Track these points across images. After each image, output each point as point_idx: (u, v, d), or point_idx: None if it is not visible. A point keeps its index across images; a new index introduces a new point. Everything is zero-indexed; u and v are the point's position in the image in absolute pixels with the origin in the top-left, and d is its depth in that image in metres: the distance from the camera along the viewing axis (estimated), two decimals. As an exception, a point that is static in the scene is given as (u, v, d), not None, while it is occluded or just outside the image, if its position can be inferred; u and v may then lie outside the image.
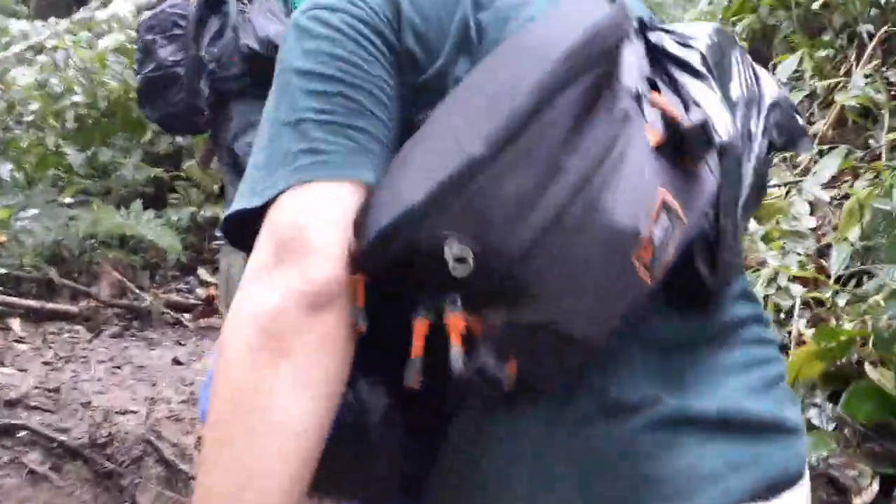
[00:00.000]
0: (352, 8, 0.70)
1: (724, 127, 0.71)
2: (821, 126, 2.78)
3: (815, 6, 3.18)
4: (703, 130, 0.64)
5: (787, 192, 2.62)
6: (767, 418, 0.71)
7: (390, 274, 0.60)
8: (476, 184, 0.56)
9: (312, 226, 0.62)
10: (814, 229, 2.43)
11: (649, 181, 0.61)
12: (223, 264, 3.41)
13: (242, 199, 0.66)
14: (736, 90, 0.78)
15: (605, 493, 0.64)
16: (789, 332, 1.85)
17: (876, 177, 2.09)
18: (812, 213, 2.48)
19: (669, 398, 0.67)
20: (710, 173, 0.67)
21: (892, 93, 2.69)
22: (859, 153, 2.38)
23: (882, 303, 1.47)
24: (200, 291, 4.39)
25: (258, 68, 2.82)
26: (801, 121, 0.85)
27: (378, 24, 0.70)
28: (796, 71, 2.91)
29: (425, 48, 0.71)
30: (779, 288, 1.93)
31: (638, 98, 0.64)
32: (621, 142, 0.61)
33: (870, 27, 3.03)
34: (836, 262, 1.88)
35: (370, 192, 0.64)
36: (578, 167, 0.58)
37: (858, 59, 2.99)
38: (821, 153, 2.36)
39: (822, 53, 3.03)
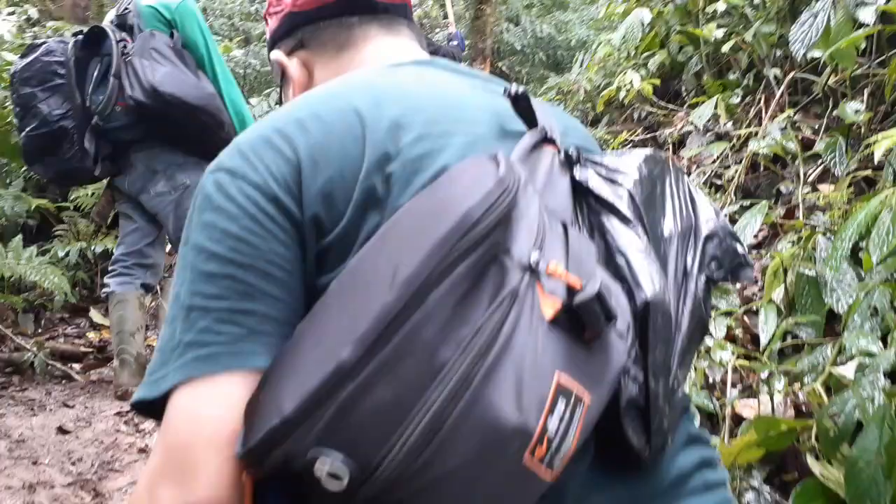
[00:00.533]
0: (250, 173, 0.69)
1: (648, 281, 0.65)
2: (734, 172, 2.81)
3: (725, 48, 3.22)
4: (599, 302, 0.57)
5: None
6: None
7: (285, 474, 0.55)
8: (345, 393, 0.52)
9: (196, 447, 0.62)
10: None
11: (541, 365, 0.55)
12: (114, 317, 3.13)
13: (143, 387, 0.67)
14: (669, 225, 0.74)
15: None
16: (720, 401, 1.81)
17: (798, 238, 2.09)
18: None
19: None
20: (619, 339, 0.61)
21: (801, 138, 2.75)
22: (780, 210, 2.39)
23: (818, 388, 1.43)
24: (92, 336, 4.03)
25: (150, 117, 2.75)
26: (741, 249, 0.80)
27: (276, 192, 0.68)
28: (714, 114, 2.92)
29: (329, 208, 0.69)
30: (707, 350, 1.89)
31: (532, 269, 0.59)
32: (507, 326, 0.55)
33: (776, 71, 3.11)
34: (765, 330, 1.86)
35: (263, 375, 0.62)
36: (457, 364, 0.53)
37: (767, 102, 3.06)
38: (742, 208, 2.36)
39: (735, 100, 3.07)
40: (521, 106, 0.74)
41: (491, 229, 0.57)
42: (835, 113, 2.74)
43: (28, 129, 2.83)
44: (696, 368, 1.83)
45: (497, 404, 0.53)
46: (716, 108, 2.92)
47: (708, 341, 1.82)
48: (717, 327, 1.98)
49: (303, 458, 0.52)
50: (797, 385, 1.57)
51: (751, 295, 2.34)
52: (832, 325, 1.94)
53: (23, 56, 2.92)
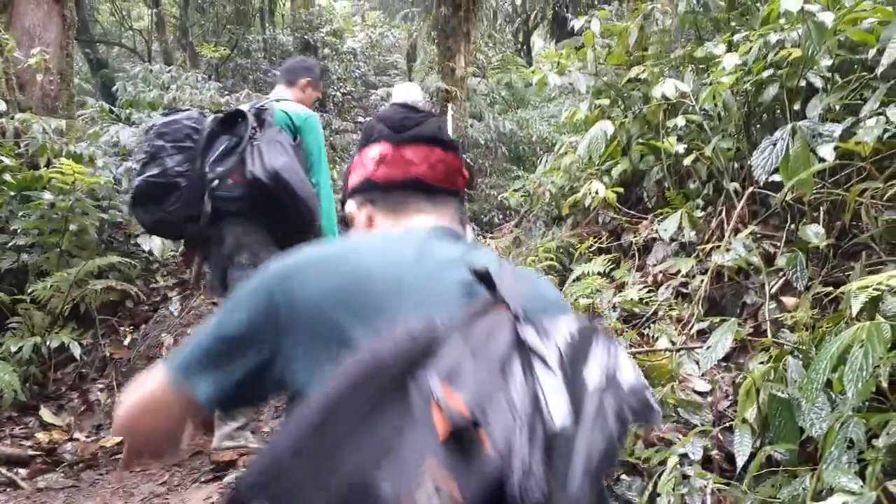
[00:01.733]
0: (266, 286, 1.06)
1: (559, 415, 0.82)
2: (700, 282, 2.88)
3: (687, 161, 3.37)
4: (472, 427, 0.77)
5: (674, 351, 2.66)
6: None
7: None
8: (282, 476, 0.78)
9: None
10: (706, 393, 2.46)
11: (418, 459, 0.74)
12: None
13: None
14: (594, 378, 0.89)
15: None
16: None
17: (767, 356, 2.13)
18: (702, 375, 2.52)
19: None
20: (494, 456, 0.77)
21: (763, 250, 2.86)
22: (749, 328, 2.44)
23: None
24: (41, 436, 3.83)
25: (259, 195, 3.07)
26: (652, 401, 0.94)
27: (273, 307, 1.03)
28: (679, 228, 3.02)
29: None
30: (685, 476, 1.89)
31: (437, 401, 0.78)
32: (398, 429, 0.77)
33: (736, 185, 3.25)
34: (741, 451, 1.86)
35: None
36: (355, 454, 0.77)
37: (728, 213, 3.18)
38: (711, 324, 2.41)
39: (698, 213, 3.18)
40: (483, 280, 0.98)
41: (398, 364, 0.81)
42: (793, 227, 2.87)
43: (147, 174, 3.13)
44: (674, 493, 1.82)
45: (380, 485, 0.74)
46: (680, 220, 3.02)
47: (687, 469, 1.82)
48: (694, 448, 1.98)
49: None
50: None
51: (723, 410, 2.36)
52: (806, 446, 1.96)
53: (165, 115, 3.30)
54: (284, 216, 3.16)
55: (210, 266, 3.36)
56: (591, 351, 0.92)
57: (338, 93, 13.02)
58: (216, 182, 3.07)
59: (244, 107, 3.37)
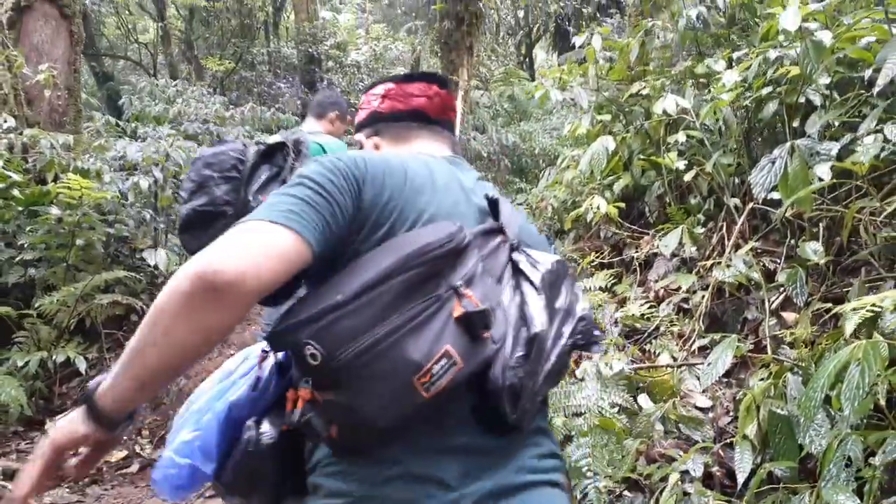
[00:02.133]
0: (349, 165, 1.18)
1: (539, 323, 1.10)
2: (701, 298, 2.91)
3: (688, 177, 3.40)
4: (483, 316, 1.04)
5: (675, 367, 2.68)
6: (518, 484, 1.11)
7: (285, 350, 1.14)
8: (331, 317, 0.99)
9: (256, 243, 1.04)
10: (707, 409, 2.48)
11: (439, 339, 1.01)
12: None
13: (262, 213, 1.10)
14: (561, 303, 1.17)
15: None
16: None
17: (767, 372, 2.15)
18: (703, 391, 2.54)
19: (457, 482, 1.07)
20: (492, 343, 1.06)
21: (763, 266, 2.88)
22: (749, 344, 2.46)
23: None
24: (47, 451, 3.86)
25: None
26: (597, 331, 1.23)
27: (360, 179, 1.16)
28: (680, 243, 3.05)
29: (368, 206, 1.16)
30: (686, 493, 1.90)
31: (455, 290, 1.04)
32: (428, 313, 1.02)
33: (736, 201, 3.28)
34: (741, 468, 1.88)
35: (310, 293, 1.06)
36: (394, 321, 1.00)
37: (729, 229, 3.21)
38: (712, 341, 2.43)
39: (699, 229, 3.21)
40: (493, 206, 1.24)
41: (436, 258, 1.04)
42: (793, 243, 2.89)
43: (195, 203, 3.21)
44: (676, 509, 1.83)
45: (409, 348, 0.99)
46: (681, 236, 3.04)
47: (688, 486, 1.83)
48: (695, 464, 2.00)
49: (300, 343, 0.98)
50: (779, 534, 1.58)
51: (724, 426, 2.38)
52: (806, 462, 1.98)
53: (213, 146, 3.53)
54: None
55: None
56: (562, 283, 1.21)
57: (341, 105, 13.05)
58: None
59: (279, 137, 3.37)
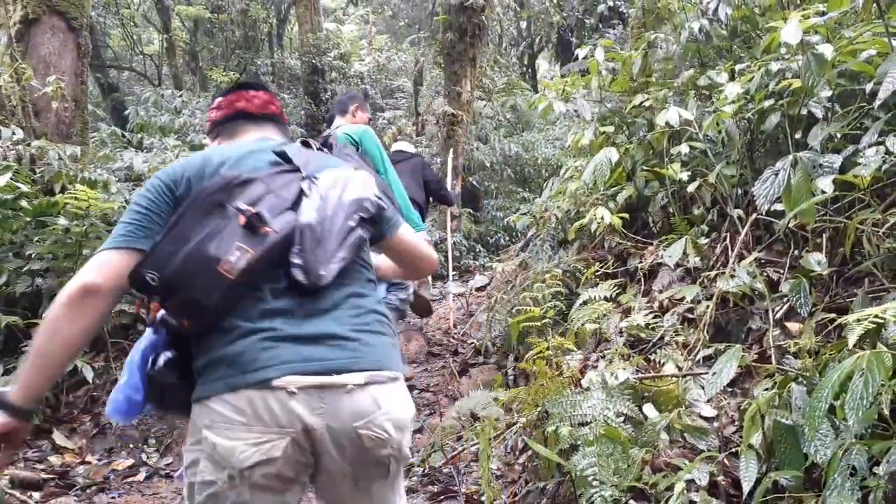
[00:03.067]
0: (163, 177, 1.73)
1: (305, 217, 1.62)
2: (705, 308, 2.93)
3: (691, 188, 3.43)
4: (257, 217, 1.56)
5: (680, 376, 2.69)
6: (339, 335, 1.60)
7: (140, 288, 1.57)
8: (155, 251, 1.56)
9: (96, 266, 1.60)
10: (712, 419, 2.50)
11: (231, 240, 1.53)
12: None
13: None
14: (335, 198, 1.70)
15: (238, 365, 1.54)
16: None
17: (772, 382, 2.17)
18: (708, 401, 2.55)
19: (280, 327, 1.56)
20: (274, 234, 1.57)
21: (766, 276, 2.90)
22: (754, 354, 2.48)
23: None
24: (54, 460, 3.88)
25: None
26: (371, 203, 1.77)
27: (170, 185, 1.71)
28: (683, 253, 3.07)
29: (183, 190, 1.70)
30: (691, 502, 1.92)
31: (239, 210, 1.57)
32: (219, 227, 1.55)
33: (739, 211, 3.30)
34: (746, 477, 1.90)
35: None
36: (196, 238, 1.53)
37: (732, 239, 3.23)
38: (717, 353, 2.45)
39: (702, 239, 3.24)
40: (281, 156, 1.79)
41: (211, 193, 1.60)
42: (796, 253, 2.91)
43: None
44: (683, 518, 1.85)
45: (210, 250, 1.51)
46: (685, 246, 3.07)
47: (694, 495, 1.85)
48: (701, 473, 2.01)
49: (143, 275, 1.53)
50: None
51: (729, 435, 2.40)
52: (811, 472, 1.99)
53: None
54: None
55: None
56: (344, 183, 1.73)
57: (345, 116, 13.12)
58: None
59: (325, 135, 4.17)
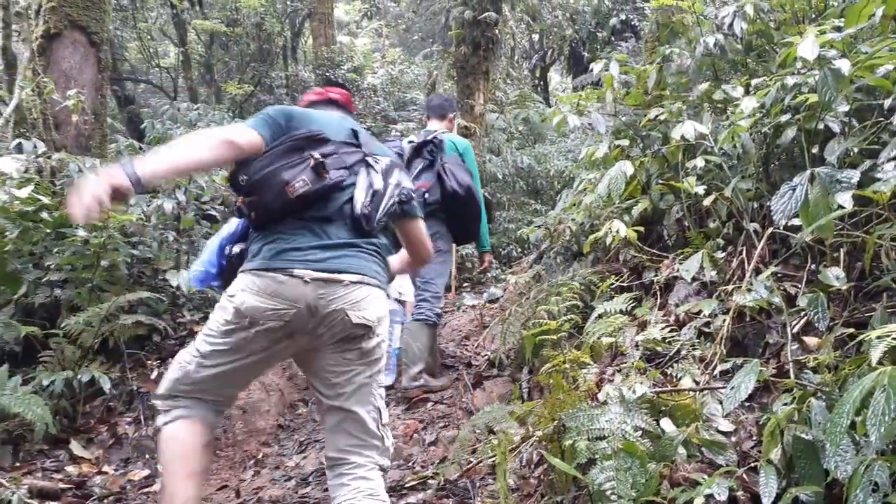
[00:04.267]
0: (282, 109, 2.52)
1: (378, 185, 2.46)
2: (722, 322, 2.92)
3: (707, 202, 3.43)
4: (322, 165, 2.34)
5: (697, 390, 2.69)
6: (348, 254, 2.39)
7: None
8: (251, 162, 2.32)
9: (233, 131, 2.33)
10: (730, 433, 2.49)
11: (301, 173, 2.30)
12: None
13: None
14: (392, 179, 2.54)
15: (276, 255, 2.33)
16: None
17: (790, 397, 2.16)
18: (726, 415, 2.54)
19: (311, 241, 2.34)
20: (329, 179, 2.35)
21: (784, 290, 2.89)
22: (772, 369, 2.47)
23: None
24: (71, 470, 3.91)
25: (451, 202, 4.53)
26: (411, 196, 2.60)
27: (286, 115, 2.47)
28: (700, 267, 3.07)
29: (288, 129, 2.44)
30: (712, 518, 1.91)
31: (313, 156, 2.35)
32: (296, 161, 2.33)
33: (755, 225, 3.29)
34: (766, 493, 1.90)
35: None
36: (279, 164, 2.31)
37: (749, 253, 3.23)
38: (734, 367, 2.44)
39: (719, 253, 3.23)
40: (354, 134, 2.57)
41: (300, 139, 2.37)
42: (814, 267, 2.90)
43: None
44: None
45: (283, 175, 2.28)
46: (701, 260, 3.07)
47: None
48: (720, 488, 2.01)
49: (238, 176, 2.35)
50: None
51: (747, 450, 2.39)
52: (831, 488, 1.98)
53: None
54: (462, 218, 4.66)
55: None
56: (394, 171, 2.54)
57: (358, 128, 13.20)
58: (422, 192, 4.22)
59: (422, 136, 4.71)
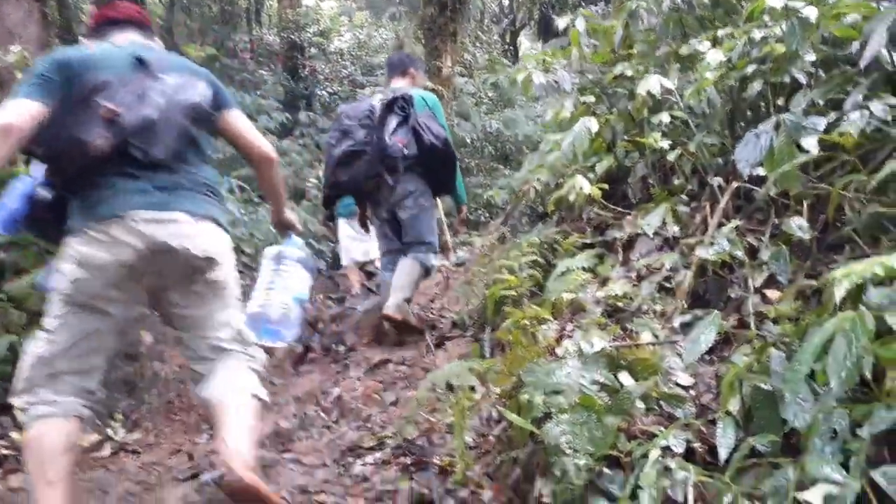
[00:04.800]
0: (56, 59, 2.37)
1: (150, 110, 2.36)
2: (683, 276, 2.87)
3: (671, 157, 3.36)
4: (108, 111, 2.27)
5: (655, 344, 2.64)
6: (171, 189, 2.39)
7: None
8: (43, 131, 2.23)
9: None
10: (689, 387, 2.44)
11: (95, 127, 2.26)
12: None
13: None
14: (170, 92, 2.43)
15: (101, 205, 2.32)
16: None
17: (750, 349, 2.11)
18: (685, 368, 2.49)
19: (130, 184, 2.33)
20: (122, 125, 2.32)
21: (747, 244, 2.84)
22: (733, 321, 2.42)
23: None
24: (15, 436, 3.75)
25: (429, 157, 4.43)
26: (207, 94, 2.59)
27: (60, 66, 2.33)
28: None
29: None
30: (666, 469, 1.86)
31: (101, 104, 2.30)
32: (88, 116, 2.27)
33: (720, 180, 3.23)
34: (723, 444, 1.85)
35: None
36: (68, 122, 2.23)
37: (712, 208, 3.17)
38: (695, 317, 2.38)
39: (682, 208, 3.17)
40: (138, 60, 2.41)
41: (88, 93, 2.29)
42: (777, 221, 2.85)
43: (345, 146, 4.39)
44: (656, 486, 1.79)
45: (80, 135, 2.24)
46: (664, 215, 3.00)
47: (670, 462, 1.80)
48: (677, 440, 1.96)
49: (32, 148, 2.31)
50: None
51: (706, 403, 2.34)
52: (789, 437, 1.94)
53: (351, 104, 4.81)
54: (438, 173, 4.56)
55: (374, 211, 4.71)
56: (187, 83, 2.47)
57: (324, 92, 12.96)
58: (399, 147, 4.29)
59: (389, 94, 4.59)
